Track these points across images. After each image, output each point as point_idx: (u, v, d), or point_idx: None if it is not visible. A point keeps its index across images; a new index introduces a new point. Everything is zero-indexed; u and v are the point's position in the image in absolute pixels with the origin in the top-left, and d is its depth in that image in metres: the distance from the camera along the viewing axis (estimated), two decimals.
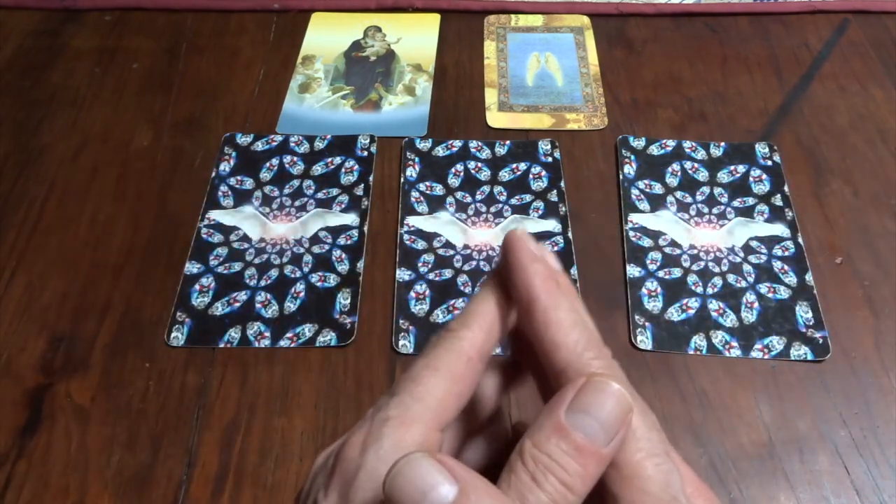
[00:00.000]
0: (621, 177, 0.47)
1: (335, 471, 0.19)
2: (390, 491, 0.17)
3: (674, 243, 0.44)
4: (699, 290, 0.41)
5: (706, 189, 0.46)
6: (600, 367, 0.20)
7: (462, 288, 0.42)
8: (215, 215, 0.45)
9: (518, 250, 0.21)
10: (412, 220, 0.45)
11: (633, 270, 0.42)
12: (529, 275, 0.21)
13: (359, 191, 0.46)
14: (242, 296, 0.41)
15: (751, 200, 0.46)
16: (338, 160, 0.48)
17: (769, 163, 0.48)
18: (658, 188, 0.46)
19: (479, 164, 0.48)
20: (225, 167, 0.48)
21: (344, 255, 0.43)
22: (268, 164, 0.48)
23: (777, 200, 0.46)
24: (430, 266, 0.43)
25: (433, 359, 0.21)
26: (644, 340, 0.39)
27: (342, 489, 0.19)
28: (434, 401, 0.20)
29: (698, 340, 0.39)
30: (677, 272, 0.42)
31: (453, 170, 0.48)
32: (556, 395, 0.19)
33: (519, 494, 0.18)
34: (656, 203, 0.46)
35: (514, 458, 0.18)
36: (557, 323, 0.20)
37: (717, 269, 0.42)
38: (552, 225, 0.44)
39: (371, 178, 0.47)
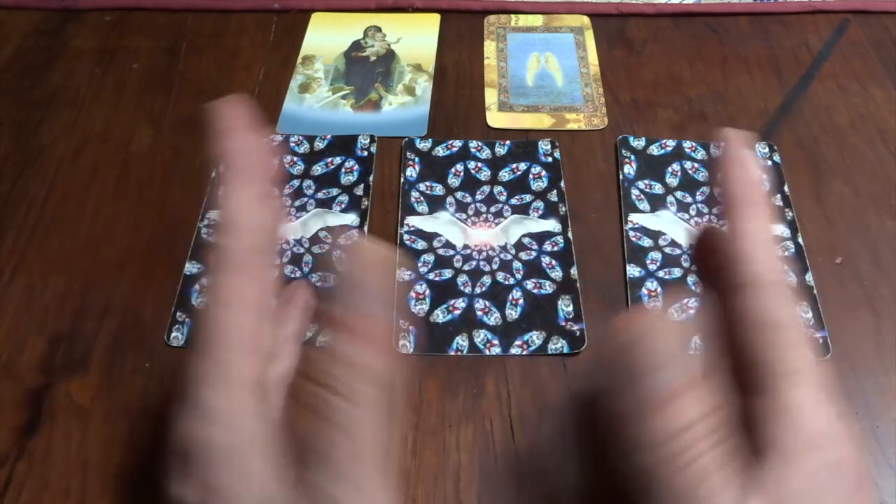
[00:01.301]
0: (621, 177, 0.47)
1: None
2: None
3: (674, 243, 0.44)
4: (699, 290, 0.41)
5: (706, 189, 0.46)
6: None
7: (462, 288, 0.42)
8: (215, 215, 0.45)
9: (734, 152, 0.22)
10: (412, 220, 0.45)
11: (633, 270, 0.42)
12: (732, 179, 0.22)
13: (359, 191, 0.46)
14: None
15: None
16: (338, 160, 0.48)
17: (769, 163, 0.48)
18: (658, 188, 0.46)
19: (479, 164, 0.48)
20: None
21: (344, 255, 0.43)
22: None
23: (777, 200, 0.46)
24: (430, 266, 0.43)
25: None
26: None
27: None
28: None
29: (698, 340, 0.39)
30: (677, 272, 0.42)
31: (453, 170, 0.48)
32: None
33: None
34: (656, 203, 0.46)
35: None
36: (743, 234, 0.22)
37: None
38: (552, 225, 0.44)
39: (371, 178, 0.47)
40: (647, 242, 0.44)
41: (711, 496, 0.19)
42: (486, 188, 0.47)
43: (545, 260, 0.43)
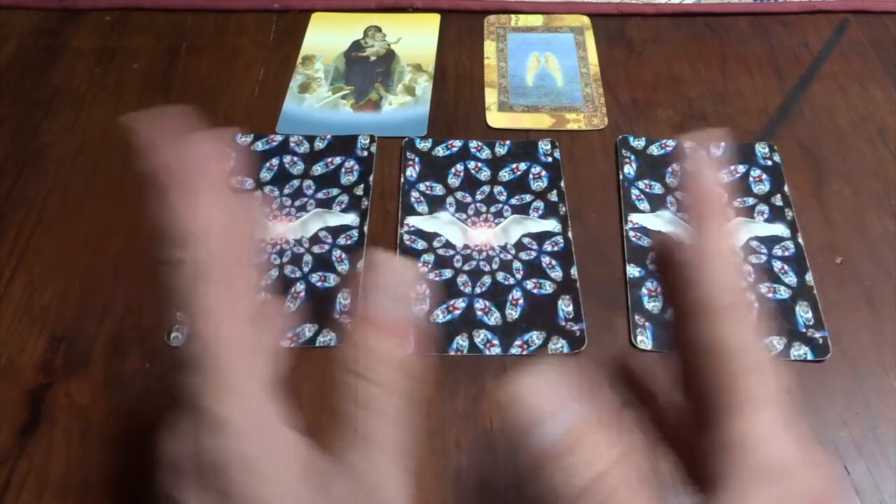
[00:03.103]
0: (621, 177, 0.47)
1: None
2: None
3: None
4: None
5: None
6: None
7: (462, 288, 0.42)
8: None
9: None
10: (412, 220, 0.45)
11: (633, 270, 0.42)
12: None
13: (359, 191, 0.46)
14: None
15: (751, 200, 0.46)
16: (338, 160, 0.48)
17: (769, 163, 0.48)
18: (658, 188, 0.46)
19: (479, 164, 0.48)
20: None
21: (344, 255, 0.43)
22: (268, 164, 0.48)
23: (777, 200, 0.46)
24: (430, 266, 0.43)
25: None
26: (644, 340, 0.39)
27: None
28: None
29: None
30: None
31: (453, 170, 0.48)
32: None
33: None
34: (656, 203, 0.46)
35: None
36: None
37: None
38: (552, 225, 0.44)
39: (371, 178, 0.47)
40: (647, 242, 0.44)
41: None
42: (486, 188, 0.47)
43: (545, 260, 0.43)
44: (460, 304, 0.41)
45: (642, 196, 0.46)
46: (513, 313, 0.40)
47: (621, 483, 0.18)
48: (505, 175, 0.47)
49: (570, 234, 0.44)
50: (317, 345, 0.39)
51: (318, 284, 0.42)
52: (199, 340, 0.21)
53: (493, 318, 0.40)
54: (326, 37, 0.57)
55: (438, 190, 0.46)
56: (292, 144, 0.49)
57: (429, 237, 0.44)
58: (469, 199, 0.46)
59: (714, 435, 0.20)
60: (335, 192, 0.46)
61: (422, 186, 0.47)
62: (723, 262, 0.20)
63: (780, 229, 0.44)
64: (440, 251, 0.43)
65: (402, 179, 0.47)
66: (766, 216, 0.45)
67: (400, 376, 0.22)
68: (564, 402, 0.19)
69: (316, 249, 0.43)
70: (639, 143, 0.49)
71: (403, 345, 0.21)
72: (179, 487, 0.20)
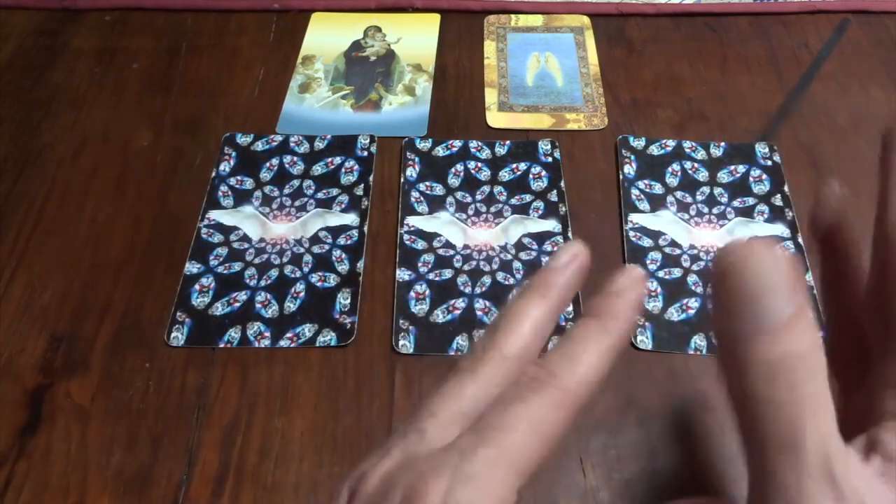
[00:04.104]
0: (621, 177, 0.47)
1: None
2: None
3: (674, 243, 0.44)
4: (699, 290, 0.41)
5: (706, 189, 0.46)
6: None
7: (462, 288, 0.42)
8: (215, 215, 0.45)
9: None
10: (412, 220, 0.45)
11: None
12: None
13: (359, 191, 0.46)
14: (242, 296, 0.41)
15: (751, 200, 0.46)
16: (338, 160, 0.48)
17: (769, 163, 0.48)
18: (658, 188, 0.46)
19: (479, 164, 0.48)
20: (225, 167, 0.48)
21: (344, 255, 0.43)
22: (268, 164, 0.48)
23: (777, 200, 0.46)
24: (430, 266, 0.43)
25: (525, 407, 0.19)
26: (644, 340, 0.39)
27: None
28: (524, 462, 0.18)
29: (698, 340, 0.39)
30: (677, 272, 0.42)
31: (453, 170, 0.48)
32: None
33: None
34: (656, 203, 0.46)
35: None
36: None
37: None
38: (552, 225, 0.44)
39: (371, 178, 0.47)
40: (647, 242, 0.44)
41: (824, 435, 0.18)
42: (486, 188, 0.47)
43: (545, 260, 0.43)
44: (460, 304, 0.41)
45: (642, 196, 0.46)
46: None
47: (818, 367, 0.18)
48: (505, 175, 0.47)
49: (570, 234, 0.44)
50: (317, 345, 0.39)
51: (318, 284, 0.42)
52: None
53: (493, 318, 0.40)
54: (326, 37, 0.57)
55: (438, 190, 0.46)
56: (292, 144, 0.49)
57: (429, 237, 0.44)
58: (469, 199, 0.46)
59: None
60: (335, 192, 0.46)
61: (422, 186, 0.47)
62: None
63: (780, 229, 0.44)
64: (440, 251, 0.43)
65: (402, 179, 0.47)
66: (766, 216, 0.45)
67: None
68: (792, 281, 0.19)
69: (316, 249, 0.43)
70: (639, 143, 0.49)
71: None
72: None
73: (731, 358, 0.19)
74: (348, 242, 0.44)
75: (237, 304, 0.41)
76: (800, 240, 0.43)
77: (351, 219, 0.45)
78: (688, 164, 0.48)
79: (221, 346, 0.39)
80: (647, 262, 0.43)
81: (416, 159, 0.48)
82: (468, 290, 0.42)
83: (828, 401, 0.18)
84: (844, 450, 0.18)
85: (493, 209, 0.45)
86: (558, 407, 0.19)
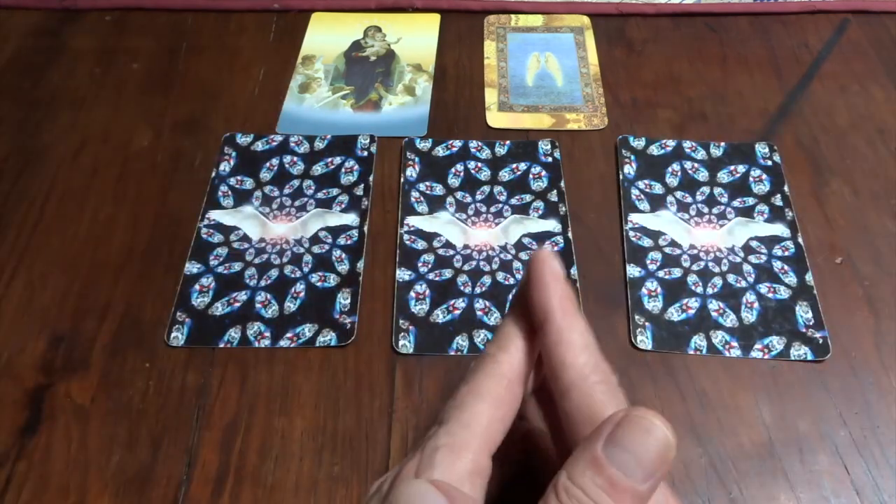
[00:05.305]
0: (621, 177, 0.47)
1: (388, 499, 0.20)
2: None
3: (674, 243, 0.44)
4: (699, 290, 0.41)
5: (706, 189, 0.46)
6: (604, 391, 0.20)
7: (462, 288, 0.42)
8: (215, 215, 0.45)
9: (542, 268, 0.22)
10: (412, 220, 0.45)
11: (633, 270, 0.42)
12: (549, 293, 0.22)
13: (359, 191, 0.46)
14: (242, 296, 0.41)
15: (751, 200, 0.46)
16: (338, 160, 0.48)
17: (769, 163, 0.48)
18: (658, 188, 0.46)
19: (479, 164, 0.48)
20: (225, 167, 0.48)
21: (344, 255, 0.43)
22: (268, 164, 0.48)
23: (777, 200, 0.46)
24: (430, 266, 0.43)
25: (475, 384, 0.21)
26: (644, 340, 0.39)
27: None
28: (480, 427, 0.21)
29: (698, 340, 0.39)
30: (677, 272, 0.42)
31: (453, 170, 0.48)
32: (595, 428, 0.19)
33: None
34: (656, 203, 0.46)
35: (549, 490, 0.19)
36: (569, 343, 0.21)
37: (717, 269, 0.42)
38: (552, 225, 0.44)
39: (371, 178, 0.47)
40: (647, 242, 0.44)
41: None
42: (486, 188, 0.47)
43: None
44: (460, 304, 0.41)
45: (642, 196, 0.46)
46: None
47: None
48: (505, 175, 0.47)
49: (570, 234, 0.44)
50: (317, 345, 0.39)
51: (318, 284, 0.42)
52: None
53: (494, 319, 0.40)
54: (326, 37, 0.57)
55: (438, 190, 0.46)
56: (292, 144, 0.49)
57: (429, 237, 0.44)
58: (469, 199, 0.46)
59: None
60: (335, 192, 0.46)
61: (422, 186, 0.47)
62: (590, 347, 0.22)
63: (780, 229, 0.44)
64: (440, 251, 0.43)
65: (402, 179, 0.47)
66: (766, 216, 0.45)
67: None
68: None
69: (316, 249, 0.43)
70: (639, 143, 0.49)
71: None
72: None
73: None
74: (348, 242, 0.44)
75: (237, 304, 0.41)
76: (800, 240, 0.43)
77: (351, 219, 0.45)
78: (688, 164, 0.48)
79: (221, 346, 0.39)
80: (648, 262, 0.43)
81: (416, 159, 0.48)
82: (468, 290, 0.41)
83: None
84: None
85: (493, 209, 0.45)
86: (499, 379, 0.22)
